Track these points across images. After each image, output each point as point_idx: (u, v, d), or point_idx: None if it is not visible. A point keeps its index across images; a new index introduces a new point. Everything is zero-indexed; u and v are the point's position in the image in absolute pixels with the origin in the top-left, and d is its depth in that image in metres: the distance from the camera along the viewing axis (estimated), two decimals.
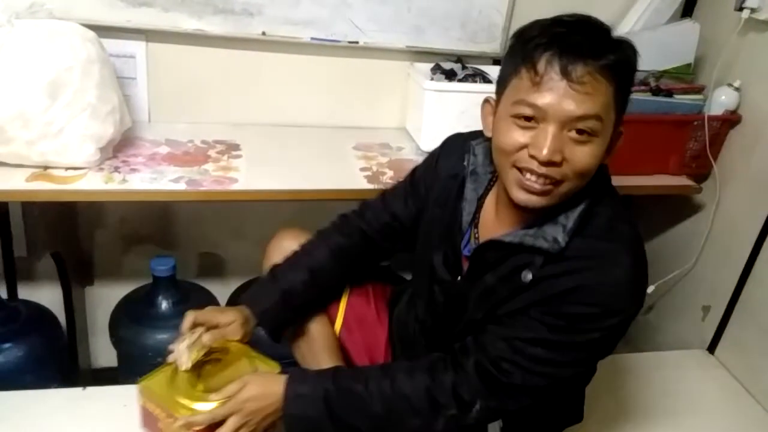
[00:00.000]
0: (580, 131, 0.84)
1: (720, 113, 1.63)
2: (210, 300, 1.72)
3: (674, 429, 1.46)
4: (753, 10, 1.53)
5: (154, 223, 1.80)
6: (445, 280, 1.07)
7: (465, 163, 1.04)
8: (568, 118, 0.83)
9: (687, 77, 1.69)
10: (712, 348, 1.73)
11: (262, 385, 0.98)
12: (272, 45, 1.62)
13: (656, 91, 1.59)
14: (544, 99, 0.83)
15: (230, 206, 1.74)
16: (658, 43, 1.67)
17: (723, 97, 1.62)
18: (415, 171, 1.19)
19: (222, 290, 1.78)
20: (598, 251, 0.89)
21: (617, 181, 1.66)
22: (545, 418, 1.14)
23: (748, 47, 1.61)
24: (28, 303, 1.64)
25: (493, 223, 1.01)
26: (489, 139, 0.95)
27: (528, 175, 0.86)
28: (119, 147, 1.44)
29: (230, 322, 1.09)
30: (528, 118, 0.85)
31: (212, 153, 1.51)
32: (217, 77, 1.64)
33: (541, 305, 0.92)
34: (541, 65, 0.82)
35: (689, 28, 1.69)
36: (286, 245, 1.22)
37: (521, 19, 1.70)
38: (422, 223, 1.14)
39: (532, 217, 0.94)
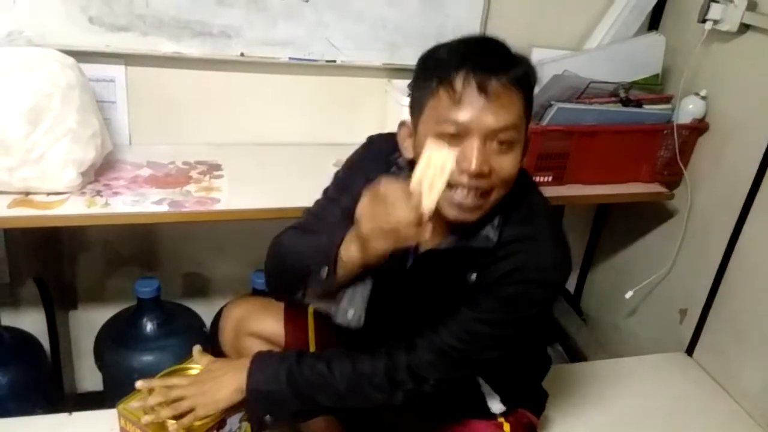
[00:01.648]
0: (501, 142, 0.89)
1: (688, 122, 1.68)
2: (195, 320, 1.73)
3: (654, 431, 1.49)
4: (715, 22, 1.58)
5: (138, 245, 1.81)
6: (389, 292, 1.08)
7: (392, 172, 1.05)
8: (490, 131, 0.88)
9: (655, 88, 1.75)
10: (690, 350, 1.76)
11: (227, 362, 1.05)
12: (251, 65, 1.65)
13: (626, 102, 1.64)
14: (465, 115, 0.87)
15: (213, 226, 1.75)
16: (626, 55, 1.72)
17: (690, 106, 1.67)
18: (338, 179, 1.17)
19: (207, 310, 1.78)
20: (525, 235, 0.97)
21: (592, 189, 1.72)
22: (528, 373, 1.23)
23: (712, 57, 1.67)
24: (11, 329, 1.63)
25: None
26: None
27: (459, 191, 0.90)
28: (101, 171, 1.45)
29: None
30: (452, 135, 0.88)
31: (194, 174, 1.52)
32: (197, 98, 1.66)
33: (483, 291, 0.98)
34: (458, 83, 0.87)
35: (656, 40, 1.75)
36: (234, 313, 1.26)
37: (494, 34, 1.77)
38: None
39: (460, 224, 0.98)
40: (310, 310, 1.31)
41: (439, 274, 1.02)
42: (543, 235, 0.98)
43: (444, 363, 1.00)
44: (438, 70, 0.89)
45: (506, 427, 1.19)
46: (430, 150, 0.83)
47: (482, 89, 0.86)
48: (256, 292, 1.66)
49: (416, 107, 0.94)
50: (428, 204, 0.81)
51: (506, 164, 0.90)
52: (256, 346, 1.18)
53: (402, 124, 1.00)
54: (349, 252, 0.90)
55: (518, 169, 0.93)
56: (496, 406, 1.19)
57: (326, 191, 1.16)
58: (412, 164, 0.97)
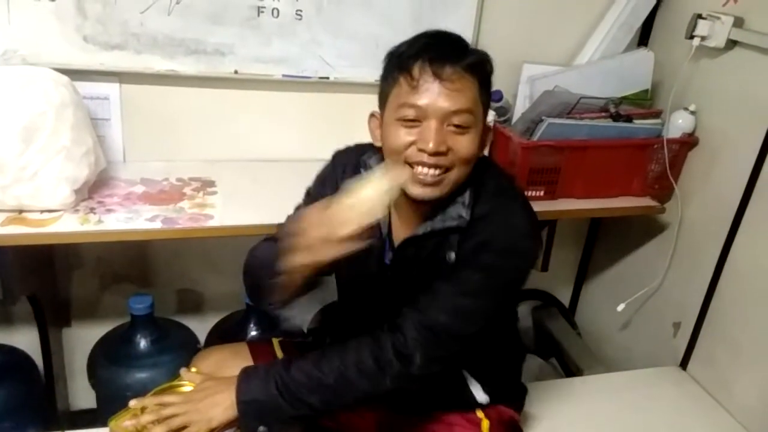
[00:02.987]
0: (456, 125, 0.97)
1: (678, 136, 1.69)
2: (189, 336, 1.73)
3: None
4: (703, 38, 1.61)
5: (131, 261, 1.81)
6: (373, 295, 1.14)
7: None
8: (445, 114, 0.96)
9: (645, 103, 1.77)
10: (684, 364, 1.77)
11: (220, 379, 1.08)
12: (244, 83, 1.66)
13: (616, 117, 1.66)
14: (423, 99, 0.96)
15: (207, 242, 1.75)
16: (616, 70, 1.75)
17: (680, 121, 1.69)
18: (309, 195, 1.23)
19: (200, 326, 1.78)
20: (494, 208, 1.04)
21: (584, 203, 1.73)
22: (505, 363, 1.27)
23: (700, 73, 1.69)
24: (4, 347, 1.62)
25: (400, 227, 1.11)
26: (379, 150, 1.07)
27: (420, 168, 0.98)
28: (94, 188, 1.45)
29: None
30: (412, 120, 0.97)
31: (187, 190, 1.53)
32: (190, 115, 1.67)
33: (462, 264, 1.03)
34: (416, 71, 0.96)
35: (645, 56, 1.77)
36: (204, 367, 1.24)
37: (485, 50, 1.79)
38: None
39: (431, 209, 1.05)
40: (276, 344, 1.33)
41: (419, 262, 1.07)
42: (511, 208, 1.04)
43: (428, 339, 1.01)
44: (399, 61, 0.99)
45: (485, 424, 1.21)
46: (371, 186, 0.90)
47: (437, 75, 0.95)
48: (249, 309, 1.66)
49: (383, 98, 1.04)
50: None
51: (463, 144, 0.98)
52: None
53: (372, 115, 1.09)
54: (293, 261, 0.94)
55: (476, 151, 1.00)
56: (480, 395, 1.21)
57: (297, 205, 1.23)
58: (381, 157, 1.07)
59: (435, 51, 0.96)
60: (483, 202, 1.04)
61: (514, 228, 1.02)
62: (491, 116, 1.64)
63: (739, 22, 1.56)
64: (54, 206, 1.34)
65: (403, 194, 1.02)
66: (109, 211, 1.38)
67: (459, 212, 1.03)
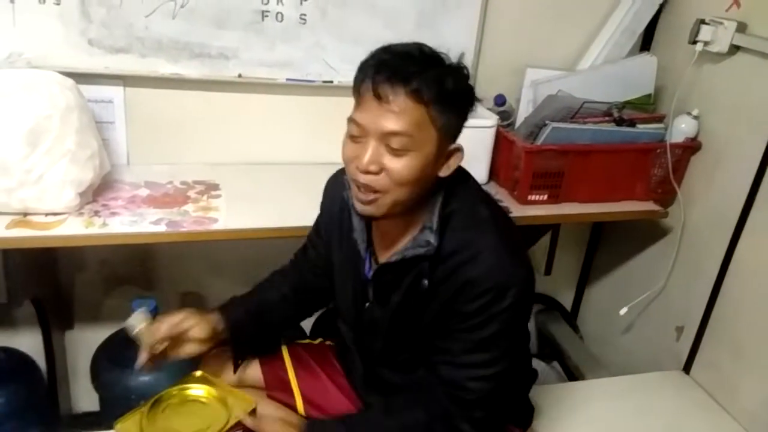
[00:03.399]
0: (393, 147, 0.94)
1: (681, 140, 1.70)
2: None
3: None
4: (706, 43, 1.61)
5: (134, 264, 1.81)
6: (359, 310, 1.16)
7: (345, 198, 1.08)
8: (382, 134, 0.93)
9: (648, 107, 1.77)
10: (687, 368, 1.77)
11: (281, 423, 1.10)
12: (248, 86, 1.66)
13: (620, 122, 1.66)
14: (363, 118, 0.94)
15: (210, 245, 1.75)
16: (619, 75, 1.75)
17: (683, 125, 1.69)
18: (317, 222, 1.29)
19: None
20: (466, 242, 1.00)
21: (587, 208, 1.73)
22: (511, 386, 1.25)
23: (703, 78, 1.70)
24: (7, 350, 1.62)
25: (381, 245, 1.11)
26: None
27: (355, 187, 0.98)
28: (99, 191, 1.46)
29: (193, 325, 1.15)
30: (356, 136, 0.96)
31: (192, 193, 1.53)
32: (194, 119, 1.68)
33: (450, 314, 1.02)
34: (363, 88, 0.94)
35: (648, 61, 1.77)
36: (209, 371, 1.26)
37: (488, 56, 1.79)
38: (335, 266, 1.22)
39: (401, 227, 1.04)
40: (284, 345, 1.35)
41: (397, 285, 1.07)
42: (484, 242, 1.00)
43: (466, 408, 1.05)
44: (358, 73, 0.97)
45: None
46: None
47: (377, 95, 0.92)
48: None
49: None
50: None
51: (398, 167, 0.94)
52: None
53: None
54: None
55: (416, 175, 0.95)
56: None
57: (309, 234, 1.30)
58: None
59: (384, 70, 0.92)
60: (455, 234, 1.01)
61: (490, 265, 0.98)
62: (492, 121, 1.64)
63: (742, 27, 1.57)
64: (59, 209, 1.34)
65: None
66: (113, 214, 1.39)
67: (427, 238, 1.01)
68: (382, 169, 0.94)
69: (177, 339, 1.13)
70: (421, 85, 0.91)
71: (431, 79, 0.92)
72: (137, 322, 1.10)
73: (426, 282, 1.03)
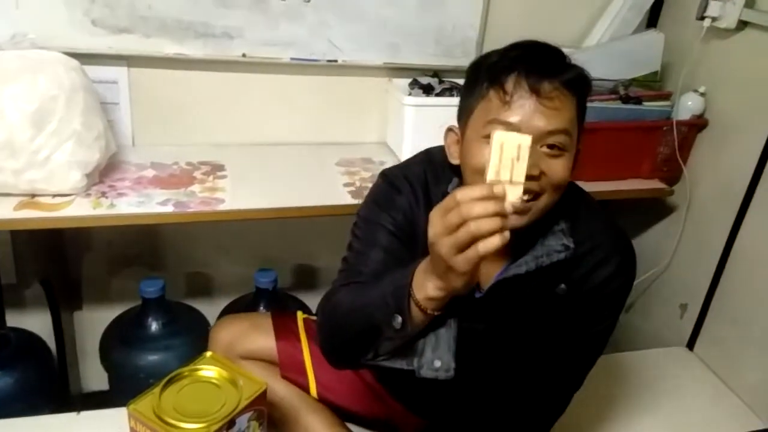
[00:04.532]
0: (551, 146, 0.87)
1: (687, 118, 1.69)
2: (199, 319, 1.74)
3: (657, 425, 1.51)
4: (714, 19, 1.59)
5: (142, 245, 1.82)
6: (467, 328, 0.96)
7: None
8: (540, 134, 0.86)
9: (654, 85, 1.76)
10: (690, 345, 1.78)
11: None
12: (253, 66, 1.66)
13: (626, 99, 1.65)
14: (516, 116, 0.86)
15: (216, 225, 1.75)
16: (626, 52, 1.74)
17: (690, 103, 1.68)
18: (366, 219, 1.05)
19: (211, 309, 1.80)
20: (596, 240, 0.99)
21: (593, 186, 1.73)
22: None
23: (710, 54, 1.68)
24: (17, 330, 1.64)
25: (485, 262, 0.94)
26: (457, 174, 0.98)
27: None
28: (105, 172, 1.46)
29: None
30: None
31: (197, 174, 1.53)
32: (199, 99, 1.67)
33: (580, 310, 1.00)
34: (509, 85, 0.86)
35: (654, 37, 1.76)
36: (222, 336, 1.24)
37: (494, 34, 1.78)
38: None
39: (521, 242, 0.95)
40: (300, 321, 1.29)
41: (519, 299, 0.99)
42: (610, 229, 1.02)
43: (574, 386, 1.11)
44: (489, 72, 0.89)
45: None
46: (501, 137, 0.75)
47: (534, 91, 0.85)
48: (259, 291, 1.68)
49: (465, 112, 0.93)
50: (514, 196, 0.74)
51: (557, 168, 0.88)
52: (250, 366, 1.17)
53: (449, 129, 0.98)
54: (426, 290, 0.80)
55: (569, 176, 0.90)
56: None
57: (356, 238, 1.05)
58: (459, 177, 0.97)
59: (531, 63, 0.86)
60: (582, 228, 0.98)
61: (624, 249, 1.01)
62: None
63: (750, 3, 1.55)
64: (66, 190, 1.34)
65: None
66: (120, 195, 1.39)
67: (562, 242, 0.95)
68: (541, 173, 0.86)
69: None
70: (574, 75, 0.87)
71: (580, 70, 0.89)
72: None
73: (563, 287, 0.98)
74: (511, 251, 0.97)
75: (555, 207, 0.93)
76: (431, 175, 1.03)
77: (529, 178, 0.81)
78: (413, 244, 1.00)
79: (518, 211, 0.85)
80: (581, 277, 0.98)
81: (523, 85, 0.85)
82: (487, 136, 0.85)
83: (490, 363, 1.05)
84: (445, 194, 0.94)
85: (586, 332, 1.03)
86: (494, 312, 1.01)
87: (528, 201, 0.87)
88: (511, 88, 0.86)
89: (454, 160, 0.97)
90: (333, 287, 1.00)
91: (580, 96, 0.90)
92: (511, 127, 0.85)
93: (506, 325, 1.02)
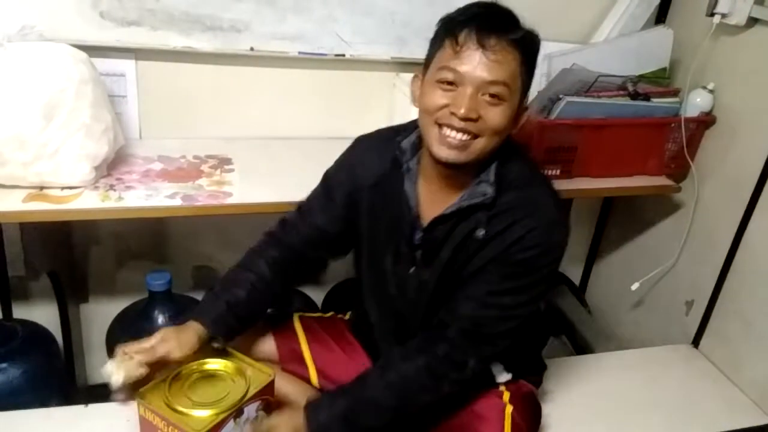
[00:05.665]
0: (491, 95, 0.98)
1: (696, 115, 1.68)
2: None
3: (662, 422, 1.51)
4: (723, 16, 1.59)
5: (149, 238, 1.82)
6: (401, 276, 1.16)
7: (401, 163, 1.12)
8: (482, 83, 0.98)
9: (663, 81, 1.75)
10: (696, 342, 1.78)
11: (287, 423, 1.08)
12: (260, 60, 1.65)
13: (634, 96, 1.65)
14: (463, 66, 0.98)
15: (222, 219, 1.75)
16: (634, 48, 1.73)
17: (698, 100, 1.68)
18: (328, 180, 1.24)
19: None
20: (524, 197, 1.07)
21: (600, 182, 1.73)
22: (528, 342, 1.30)
23: (719, 51, 1.68)
24: (24, 322, 1.64)
25: (430, 207, 1.12)
26: (414, 128, 1.10)
27: (447, 131, 1.00)
28: (113, 165, 1.46)
29: (170, 349, 1.09)
30: (450, 83, 0.99)
31: (205, 168, 1.53)
32: (206, 93, 1.67)
33: (496, 260, 1.07)
34: (461, 37, 0.98)
35: (663, 33, 1.75)
36: None
37: None
38: (361, 237, 1.20)
39: (458, 187, 1.08)
40: (296, 316, 1.36)
41: (449, 241, 1.09)
42: (545, 200, 1.08)
43: (476, 343, 1.10)
44: (447, 25, 1.01)
45: (505, 395, 1.24)
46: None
47: (481, 44, 0.96)
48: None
49: (427, 60, 1.05)
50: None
51: (494, 115, 0.99)
52: None
53: (415, 76, 1.10)
54: None
55: (507, 125, 1.01)
56: (501, 376, 1.24)
57: (317, 191, 1.25)
58: (413, 139, 1.11)
59: (484, 20, 0.98)
60: (511, 187, 1.06)
61: (548, 221, 1.06)
62: None
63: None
64: (74, 183, 1.35)
65: (431, 165, 1.07)
66: (128, 188, 1.39)
67: (484, 190, 1.06)
68: (479, 117, 0.98)
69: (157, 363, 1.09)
70: (520, 35, 0.99)
71: (528, 32, 1.01)
72: (111, 370, 1.05)
73: (482, 232, 1.06)
74: (450, 196, 1.09)
75: (492, 161, 1.06)
76: (401, 134, 1.15)
77: (467, 119, 0.98)
78: (357, 202, 1.17)
79: (458, 147, 1.00)
80: (500, 231, 1.06)
81: (473, 38, 0.97)
82: (440, 81, 1.00)
83: (433, 304, 1.15)
84: (401, 149, 1.11)
85: (500, 284, 1.08)
86: (428, 255, 1.12)
87: (466, 139, 1.00)
88: (462, 40, 0.98)
89: (415, 103, 1.08)
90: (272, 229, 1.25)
91: (526, 55, 1.00)
92: (458, 75, 0.98)
93: (441, 265, 1.11)
